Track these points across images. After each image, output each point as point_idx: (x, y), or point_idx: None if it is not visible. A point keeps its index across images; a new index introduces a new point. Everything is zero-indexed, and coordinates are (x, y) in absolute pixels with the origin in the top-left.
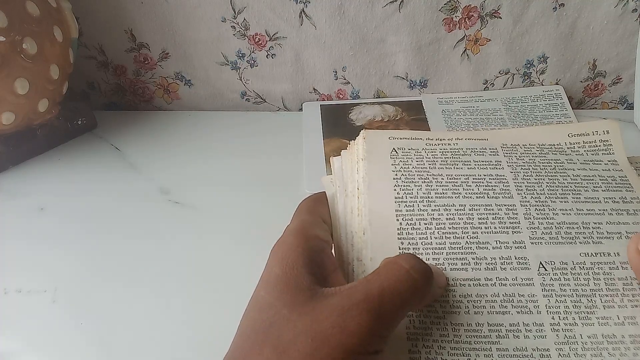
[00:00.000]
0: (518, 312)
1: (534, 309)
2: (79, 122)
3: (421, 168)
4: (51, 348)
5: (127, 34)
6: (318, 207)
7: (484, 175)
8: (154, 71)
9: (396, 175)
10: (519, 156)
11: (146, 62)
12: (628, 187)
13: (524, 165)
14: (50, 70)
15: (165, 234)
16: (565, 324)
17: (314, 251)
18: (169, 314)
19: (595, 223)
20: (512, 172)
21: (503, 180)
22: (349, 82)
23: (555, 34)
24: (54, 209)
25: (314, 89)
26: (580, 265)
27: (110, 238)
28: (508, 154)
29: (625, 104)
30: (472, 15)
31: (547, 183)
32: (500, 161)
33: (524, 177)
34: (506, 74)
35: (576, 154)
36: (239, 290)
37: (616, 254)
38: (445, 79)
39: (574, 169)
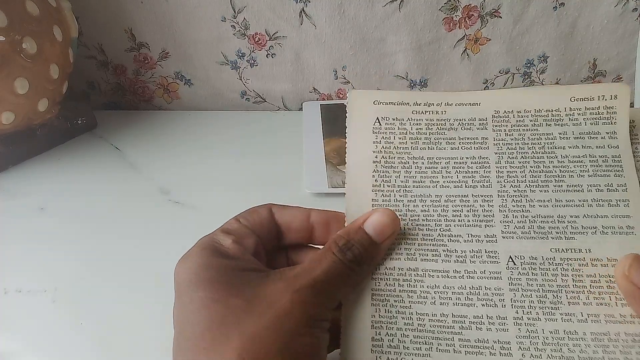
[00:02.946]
0: (483, 305)
1: (499, 302)
2: (79, 122)
3: (402, 148)
4: (51, 348)
5: (127, 33)
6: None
7: (466, 159)
8: (154, 71)
9: (376, 157)
10: (509, 131)
11: (146, 61)
12: (618, 171)
13: (511, 144)
14: (50, 70)
15: (165, 234)
16: (529, 319)
17: (234, 257)
18: (169, 314)
19: (571, 216)
20: (496, 154)
21: (485, 165)
22: (349, 82)
23: (556, 33)
24: (54, 209)
25: (314, 88)
26: (549, 260)
27: (110, 238)
28: (497, 128)
29: None
30: (472, 15)
31: (531, 167)
32: (487, 138)
33: (508, 159)
34: (506, 73)
35: (573, 124)
36: None
37: (587, 251)
38: (445, 79)
39: (564, 147)
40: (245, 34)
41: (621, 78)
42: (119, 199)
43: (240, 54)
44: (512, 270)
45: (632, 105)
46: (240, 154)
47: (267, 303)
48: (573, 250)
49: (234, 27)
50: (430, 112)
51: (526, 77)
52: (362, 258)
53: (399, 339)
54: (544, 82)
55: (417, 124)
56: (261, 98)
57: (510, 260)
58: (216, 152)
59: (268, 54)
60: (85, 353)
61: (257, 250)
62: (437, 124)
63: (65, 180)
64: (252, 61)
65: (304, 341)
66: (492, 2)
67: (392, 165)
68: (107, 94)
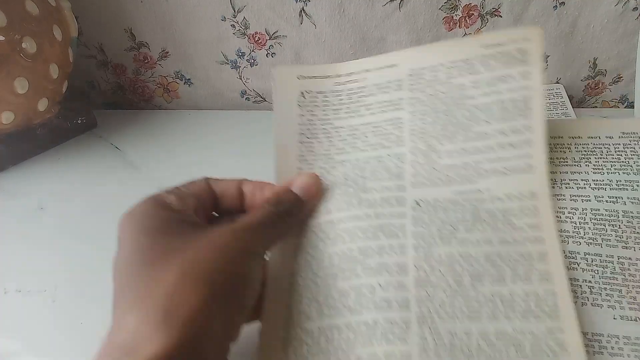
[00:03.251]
0: (387, 237)
1: (401, 235)
2: (79, 122)
3: (325, 120)
4: (51, 348)
5: (126, 33)
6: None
7: (383, 122)
8: (154, 70)
9: (301, 129)
10: (423, 88)
11: (146, 61)
12: (525, 113)
13: (424, 101)
14: (49, 70)
15: None
16: (425, 244)
17: (176, 210)
18: None
19: (475, 162)
20: (410, 112)
21: (399, 126)
22: None
23: (556, 32)
24: (53, 209)
25: None
26: (451, 201)
27: (110, 237)
28: (412, 87)
29: (626, 103)
30: (473, 14)
31: (442, 121)
32: (402, 98)
33: (421, 116)
34: None
35: (485, 69)
36: None
37: (487, 190)
38: None
39: (474, 97)
40: (245, 34)
41: (621, 77)
42: (118, 199)
43: (240, 54)
44: (416, 210)
45: (632, 105)
46: (240, 154)
47: (208, 240)
48: (473, 191)
49: (233, 26)
50: (351, 82)
51: None
52: (292, 211)
53: (310, 278)
54: (544, 82)
55: (338, 95)
56: (261, 97)
57: (416, 203)
58: (216, 152)
59: (268, 53)
60: (85, 353)
61: (198, 211)
62: (357, 92)
63: (65, 180)
64: (252, 60)
65: (240, 268)
66: (492, 1)
67: (316, 136)
68: (107, 93)
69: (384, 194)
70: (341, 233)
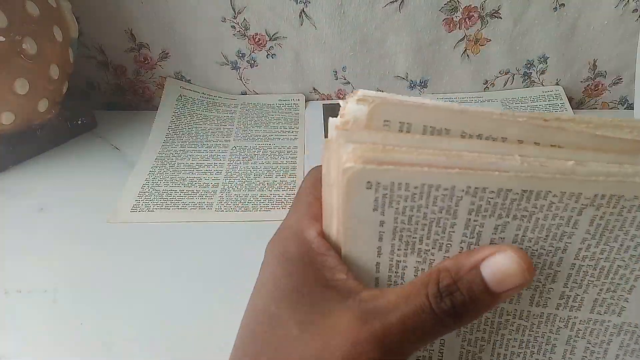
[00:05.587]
0: None
1: None
2: (79, 122)
3: None
4: (51, 348)
5: (127, 33)
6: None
7: None
8: (154, 71)
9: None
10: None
11: (146, 61)
12: None
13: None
14: (50, 70)
15: None
16: None
17: (318, 256)
18: (169, 314)
19: None
20: None
21: None
22: (349, 82)
23: (556, 34)
24: (53, 209)
25: (314, 88)
26: None
27: (110, 237)
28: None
29: (626, 104)
30: (473, 16)
31: None
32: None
33: None
34: (506, 74)
35: None
36: (240, 290)
37: None
38: (446, 79)
39: None
40: (246, 35)
41: (621, 79)
42: (118, 199)
43: (240, 55)
44: None
45: (631, 106)
46: None
47: (334, 333)
48: None
49: (234, 27)
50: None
51: (526, 77)
52: (464, 310)
53: None
54: (544, 83)
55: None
56: None
57: None
58: None
59: (268, 54)
60: (85, 353)
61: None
62: None
63: (65, 180)
64: (252, 61)
65: None
66: (492, 2)
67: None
68: (107, 94)
69: None
70: None
